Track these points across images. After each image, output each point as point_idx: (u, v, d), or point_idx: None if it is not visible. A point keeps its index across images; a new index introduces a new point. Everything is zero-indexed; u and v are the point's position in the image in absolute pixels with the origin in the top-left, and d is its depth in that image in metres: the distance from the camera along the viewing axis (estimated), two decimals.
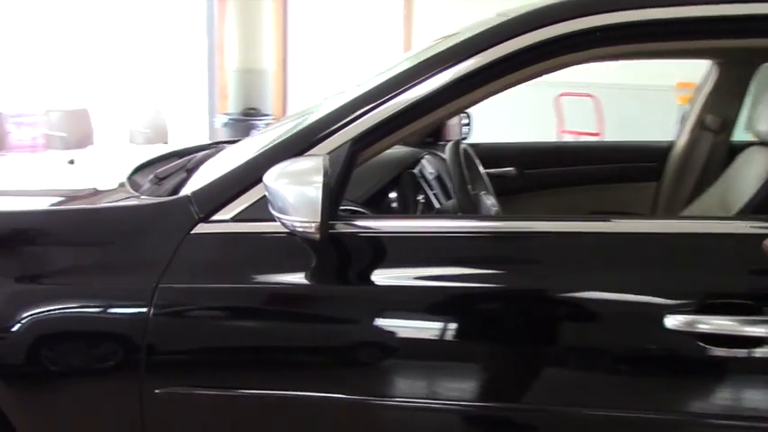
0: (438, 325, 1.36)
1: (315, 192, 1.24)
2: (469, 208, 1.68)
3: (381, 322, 1.38)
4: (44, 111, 6.82)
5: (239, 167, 1.45)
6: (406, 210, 2.01)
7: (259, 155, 1.45)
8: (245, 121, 8.25)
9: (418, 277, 1.37)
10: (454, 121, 3.15)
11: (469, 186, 1.82)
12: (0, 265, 1.43)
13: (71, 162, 2.03)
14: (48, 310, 1.39)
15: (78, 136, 6.85)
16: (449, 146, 1.85)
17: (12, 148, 6.61)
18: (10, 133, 6.73)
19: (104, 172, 1.89)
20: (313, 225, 1.24)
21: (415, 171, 2.08)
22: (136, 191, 1.66)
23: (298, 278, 1.39)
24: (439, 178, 2.00)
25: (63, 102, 7.02)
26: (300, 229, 1.26)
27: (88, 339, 1.41)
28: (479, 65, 1.40)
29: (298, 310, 1.41)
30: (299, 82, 8.18)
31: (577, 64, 1.48)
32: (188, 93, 8.08)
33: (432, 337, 1.36)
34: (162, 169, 1.79)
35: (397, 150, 2.17)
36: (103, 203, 1.66)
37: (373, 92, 1.44)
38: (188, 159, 1.91)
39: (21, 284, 1.41)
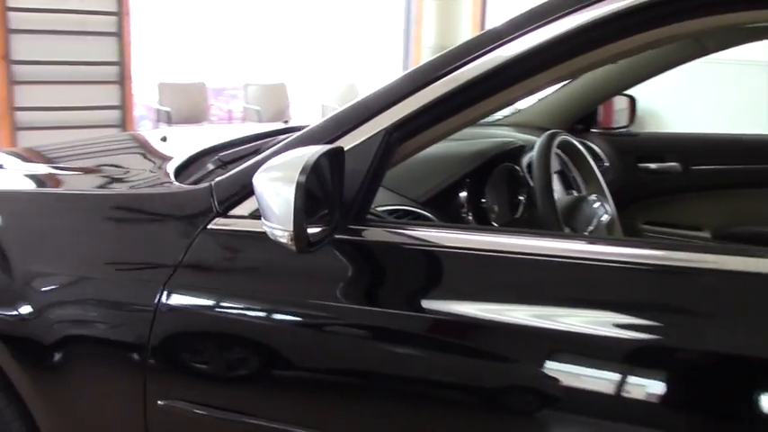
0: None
1: (290, 193, 1.00)
2: (551, 219, 1.35)
3: (392, 353, 1.13)
4: (243, 85, 7.13)
5: (262, 157, 1.26)
6: (498, 212, 1.71)
7: (282, 145, 1.25)
8: None
9: (443, 312, 1.11)
10: (617, 104, 2.76)
11: (574, 192, 1.49)
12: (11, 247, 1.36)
13: (163, 139, 1.97)
14: (58, 301, 1.30)
15: (274, 110, 7.11)
16: (542, 137, 1.52)
17: (211, 119, 7.00)
18: (212, 105, 7.13)
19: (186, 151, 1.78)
20: (286, 234, 1.01)
21: (524, 162, 1.76)
22: (192, 175, 1.53)
23: (313, 291, 1.18)
24: (562, 174, 1.68)
25: (262, 76, 7.30)
26: (280, 239, 1.03)
27: (97, 333, 1.31)
28: (576, 26, 1.08)
29: (310, 327, 1.19)
30: None
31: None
32: (382, 69, 8.06)
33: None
34: (230, 152, 1.64)
35: (481, 140, 1.87)
36: (120, 189, 1.54)
37: (416, 72, 1.18)
38: (267, 141, 1.74)
39: (29, 268, 1.34)
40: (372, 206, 1.34)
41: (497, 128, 2.38)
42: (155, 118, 7.03)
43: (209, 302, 1.23)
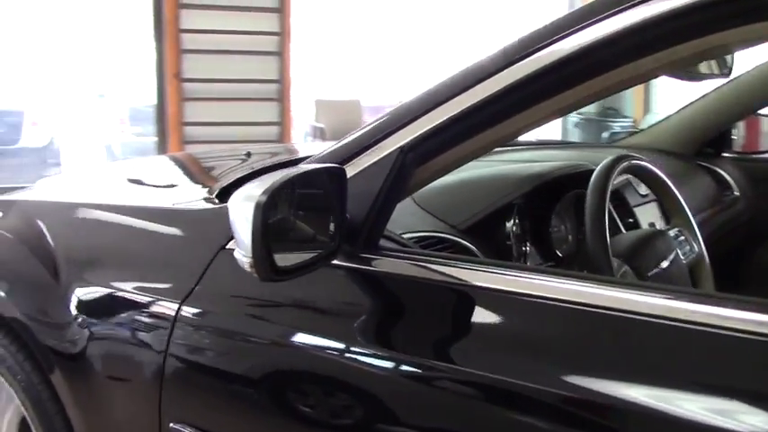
0: None
1: (251, 217, 0.90)
2: (600, 255, 1.17)
3: (393, 402, 1.00)
4: (398, 101, 7.17)
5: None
6: (564, 246, 1.53)
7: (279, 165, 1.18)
8: (601, 121, 7.67)
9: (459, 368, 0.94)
10: (766, 125, 2.44)
11: (653, 223, 1.29)
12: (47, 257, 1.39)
13: (247, 155, 1.96)
14: (89, 313, 1.31)
15: None
16: (606, 160, 1.32)
17: None
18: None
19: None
20: (246, 262, 0.93)
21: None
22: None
23: (312, 323, 1.09)
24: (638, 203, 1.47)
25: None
26: (246, 266, 0.93)
27: (121, 348, 1.30)
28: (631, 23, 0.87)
29: (312, 360, 1.10)
30: (669, 83, 7.36)
31: None
32: None
33: None
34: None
35: (543, 162, 1.66)
36: (148, 204, 1.51)
37: (436, 88, 1.06)
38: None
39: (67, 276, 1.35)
40: (400, 232, 1.24)
41: (605, 150, 2.17)
42: (311, 134, 7.26)
43: (220, 324, 1.18)
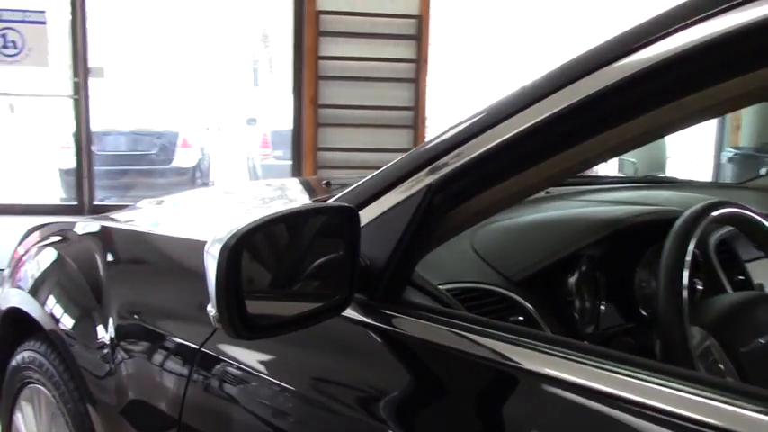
0: None
1: (214, 264, 0.76)
2: (672, 323, 0.95)
3: None
4: None
5: None
6: (645, 301, 1.29)
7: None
8: (761, 157, 7.02)
9: None
10: None
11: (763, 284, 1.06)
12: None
13: (327, 184, 1.88)
14: (120, 339, 1.27)
15: (650, 163, 6.72)
16: (688, 211, 1.09)
17: None
18: None
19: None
20: (211, 315, 0.79)
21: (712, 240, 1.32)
22: None
23: (321, 382, 0.96)
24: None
25: None
26: (214, 322, 0.79)
27: (144, 380, 1.24)
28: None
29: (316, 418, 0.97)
30: None
31: None
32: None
33: None
34: None
35: (627, 206, 1.41)
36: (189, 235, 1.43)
37: (477, 116, 0.91)
38: None
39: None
40: (441, 281, 1.09)
41: (731, 192, 1.88)
42: None
43: (230, 372, 1.08)
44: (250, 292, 0.78)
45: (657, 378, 0.66)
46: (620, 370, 0.69)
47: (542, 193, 1.59)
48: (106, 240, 1.50)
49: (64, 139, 7.03)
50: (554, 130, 0.80)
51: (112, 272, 1.38)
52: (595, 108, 0.76)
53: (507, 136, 0.84)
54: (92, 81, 6.41)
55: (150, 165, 8.14)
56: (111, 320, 1.30)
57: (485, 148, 0.86)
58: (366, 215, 0.95)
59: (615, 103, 0.75)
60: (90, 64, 6.37)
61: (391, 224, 0.93)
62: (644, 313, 1.29)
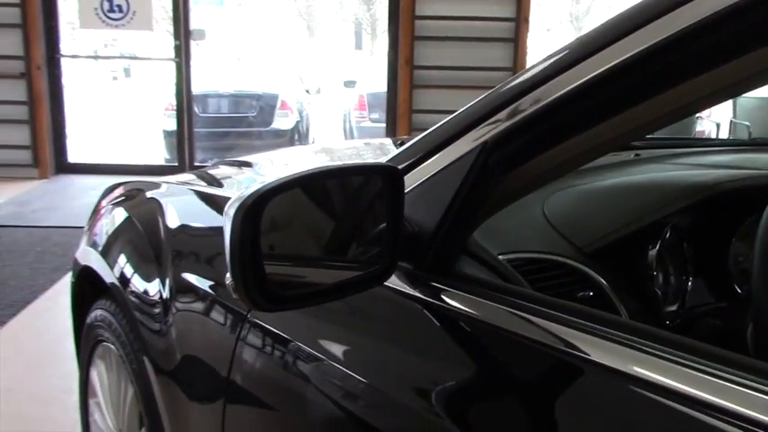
0: None
1: (228, 227, 0.69)
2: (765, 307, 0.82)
3: None
4: None
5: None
6: (741, 277, 1.13)
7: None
8: None
9: None
10: None
11: None
12: None
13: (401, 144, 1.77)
14: (175, 298, 1.25)
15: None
16: None
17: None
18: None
19: None
20: (228, 284, 0.71)
21: None
22: None
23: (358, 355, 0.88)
24: None
25: None
26: (232, 292, 0.71)
27: (195, 343, 1.21)
28: None
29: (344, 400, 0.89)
30: None
31: None
32: None
33: None
34: None
35: (720, 170, 1.24)
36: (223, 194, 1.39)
37: (537, 67, 0.80)
38: None
39: None
40: (504, 251, 0.99)
41: None
42: None
43: (277, 336, 1.02)
44: (272, 258, 0.71)
45: (755, 381, 0.54)
46: (708, 369, 0.57)
47: (630, 155, 1.45)
48: (170, 201, 1.47)
49: (168, 101, 7.23)
50: (633, 75, 0.68)
51: (171, 233, 1.36)
52: (689, 45, 0.63)
53: (575, 85, 0.72)
54: (193, 44, 6.54)
55: (249, 127, 8.27)
56: (167, 281, 1.28)
57: (548, 100, 0.74)
58: (415, 177, 0.87)
59: (718, 37, 0.62)
60: (191, 26, 6.50)
61: (442, 186, 0.83)
62: (739, 291, 1.14)
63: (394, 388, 0.80)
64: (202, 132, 7.71)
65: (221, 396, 1.10)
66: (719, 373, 0.56)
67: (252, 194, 0.68)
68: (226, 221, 0.69)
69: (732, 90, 0.67)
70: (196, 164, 6.61)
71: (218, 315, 1.15)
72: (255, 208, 0.68)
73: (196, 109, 7.37)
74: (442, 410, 0.74)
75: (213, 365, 1.13)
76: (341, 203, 0.79)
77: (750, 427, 0.52)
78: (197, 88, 7.09)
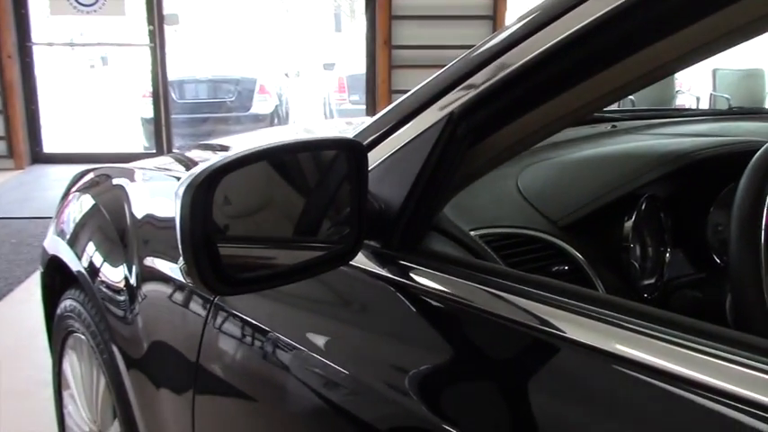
0: None
1: (179, 208, 0.65)
2: (746, 280, 0.79)
3: None
4: (712, 69, 6.58)
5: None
6: (720, 247, 1.11)
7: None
8: None
9: None
10: None
11: None
12: None
13: None
14: (142, 282, 1.22)
15: (747, 99, 6.36)
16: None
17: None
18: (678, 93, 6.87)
19: None
20: (179, 267, 0.67)
21: None
22: None
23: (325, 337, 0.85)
24: None
25: (734, 60, 6.67)
26: (185, 277, 0.68)
27: (162, 326, 1.17)
28: None
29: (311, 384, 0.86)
30: None
31: None
32: None
33: None
34: None
35: (692, 138, 1.20)
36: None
37: (503, 32, 0.76)
38: None
39: None
40: (474, 226, 0.96)
41: None
42: None
43: (242, 322, 0.99)
44: (227, 239, 0.68)
45: (734, 354, 0.52)
46: (685, 342, 0.54)
47: (607, 127, 1.42)
48: (138, 186, 1.43)
49: (145, 88, 7.13)
50: (604, 36, 0.64)
51: (138, 218, 1.32)
52: (652, 7, 0.60)
53: (543, 48, 0.69)
54: (167, 29, 6.44)
55: (228, 112, 8.18)
56: (134, 268, 1.24)
57: (516, 65, 0.71)
58: (380, 152, 0.83)
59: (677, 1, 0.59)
60: (165, 11, 6.39)
61: (408, 161, 0.80)
62: (718, 261, 1.12)
63: (363, 370, 0.77)
64: (181, 118, 7.62)
65: (190, 383, 1.07)
66: (698, 346, 0.54)
67: (201, 173, 0.65)
68: (176, 202, 0.65)
69: (702, 52, 0.64)
70: (174, 150, 6.53)
71: (184, 301, 1.11)
72: (206, 187, 0.64)
73: (174, 95, 7.28)
74: (414, 392, 0.70)
75: (181, 352, 1.10)
76: (302, 181, 0.76)
77: (730, 402, 0.50)
78: (174, 74, 6.99)
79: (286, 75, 9.68)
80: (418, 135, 0.80)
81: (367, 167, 0.77)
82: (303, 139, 0.74)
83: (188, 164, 1.61)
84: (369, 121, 0.87)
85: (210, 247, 0.65)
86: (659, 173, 1.09)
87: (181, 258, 0.66)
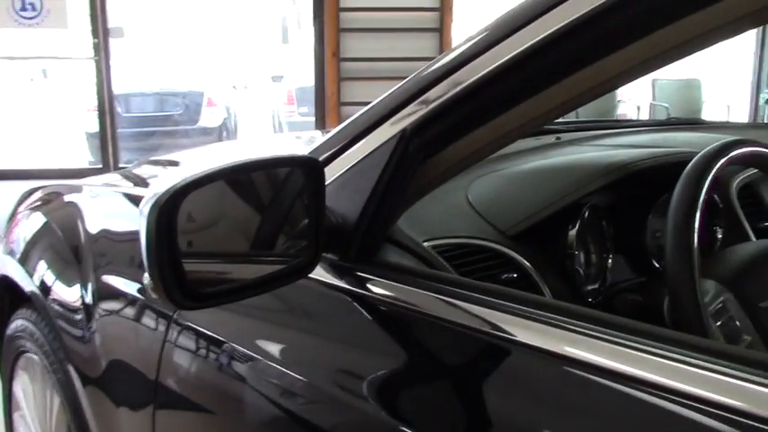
0: None
1: (144, 225, 0.67)
2: (682, 276, 0.85)
3: None
4: (651, 80, 6.76)
5: None
6: (658, 252, 1.18)
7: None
8: None
9: None
10: None
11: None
12: None
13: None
14: (98, 301, 1.22)
15: (685, 108, 6.58)
16: (702, 152, 0.97)
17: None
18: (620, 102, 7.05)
19: None
20: (146, 283, 0.70)
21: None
22: None
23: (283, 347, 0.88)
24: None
25: (674, 70, 6.88)
26: (150, 291, 0.71)
27: (120, 343, 1.18)
28: None
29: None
30: None
31: None
32: (730, 63, 7.00)
33: None
34: None
35: (632, 149, 1.29)
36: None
37: (452, 53, 0.81)
38: None
39: None
40: (425, 238, 1.00)
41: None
42: None
43: (204, 337, 1.00)
44: (191, 256, 0.70)
45: (672, 352, 0.56)
46: (627, 342, 0.59)
47: (551, 139, 1.47)
48: (90, 203, 1.43)
49: (90, 102, 7.01)
50: (547, 57, 0.69)
51: (92, 236, 1.32)
52: (598, 27, 0.65)
53: (491, 68, 0.73)
54: (112, 42, 6.36)
55: (175, 125, 8.11)
56: (90, 286, 1.24)
57: (465, 84, 0.75)
58: (336, 168, 0.86)
59: (619, 20, 0.63)
60: (109, 24, 6.31)
61: (363, 176, 0.83)
62: (657, 266, 1.18)
63: (323, 379, 0.80)
64: (127, 133, 7.52)
65: (150, 400, 1.07)
66: (640, 346, 0.58)
67: (166, 191, 0.67)
68: (141, 220, 0.67)
69: (645, 67, 0.68)
70: (121, 165, 6.44)
71: (143, 318, 1.12)
72: (170, 204, 0.67)
73: (119, 109, 7.18)
74: (373, 399, 0.74)
75: (140, 370, 1.10)
76: (262, 197, 0.78)
77: (670, 396, 0.54)
78: (120, 88, 6.90)
79: (234, 87, 9.64)
80: (372, 151, 0.83)
81: (324, 183, 0.80)
82: (262, 158, 0.77)
83: (138, 181, 1.62)
84: (325, 137, 0.91)
85: (175, 263, 0.68)
86: (600, 183, 1.15)
87: (146, 274, 0.68)
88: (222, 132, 8.48)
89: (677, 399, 0.54)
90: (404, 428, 0.68)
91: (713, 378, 0.53)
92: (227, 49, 12.28)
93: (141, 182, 1.62)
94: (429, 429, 0.67)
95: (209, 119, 8.36)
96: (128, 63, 9.21)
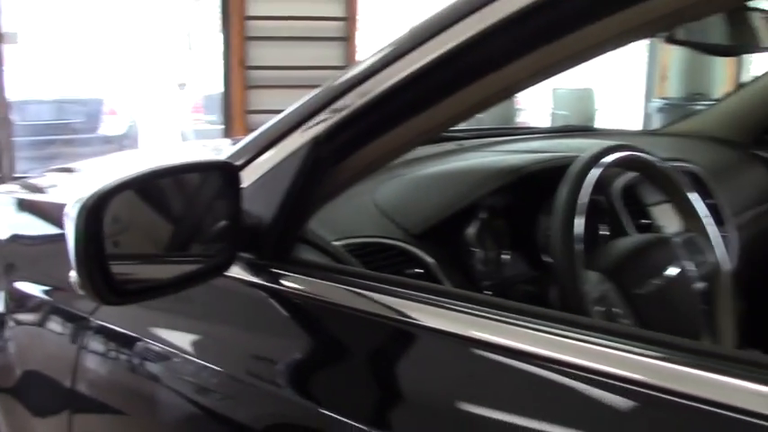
0: None
1: (72, 227, 0.72)
2: (566, 270, 0.95)
3: None
4: (552, 89, 7.01)
5: None
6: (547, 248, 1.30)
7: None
8: (687, 106, 7.19)
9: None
10: None
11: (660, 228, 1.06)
12: None
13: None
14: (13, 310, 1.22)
15: (581, 116, 6.85)
16: (581, 156, 1.09)
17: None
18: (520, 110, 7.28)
19: None
20: (73, 280, 0.74)
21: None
22: None
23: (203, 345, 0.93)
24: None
25: (571, 80, 7.15)
26: (77, 288, 0.75)
27: (36, 349, 1.19)
28: None
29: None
30: (765, 65, 6.79)
31: None
32: (624, 73, 7.40)
33: None
34: None
35: (526, 154, 1.42)
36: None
37: (359, 66, 0.88)
38: None
39: None
40: (337, 237, 1.07)
41: (638, 138, 1.89)
42: None
43: (123, 338, 1.03)
44: (116, 255, 0.74)
45: (555, 328, 0.65)
46: (517, 321, 0.67)
47: (454, 145, 1.57)
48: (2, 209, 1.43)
49: None
50: (443, 72, 0.76)
51: (2, 243, 1.32)
52: (491, 43, 0.73)
53: (396, 80, 0.80)
54: (5, 48, 6.12)
55: (75, 134, 7.86)
56: (1, 294, 1.24)
57: (373, 94, 0.82)
58: (252, 172, 0.92)
59: (514, 36, 0.71)
60: (2, 29, 6.08)
61: (278, 180, 0.89)
62: (547, 260, 1.29)
63: (240, 370, 0.85)
64: (24, 141, 7.24)
65: (66, 407, 1.09)
66: (532, 325, 0.66)
67: (93, 195, 0.71)
68: (67, 222, 0.71)
69: (547, 72, 0.76)
70: (17, 175, 6.20)
71: (58, 323, 1.14)
72: (97, 207, 0.71)
73: (15, 117, 6.90)
74: (290, 385, 0.80)
75: (55, 377, 1.12)
76: (182, 200, 0.83)
77: (559, 367, 0.62)
78: (15, 95, 6.64)
79: (137, 94, 9.43)
80: (286, 156, 0.89)
81: (239, 186, 0.86)
82: (183, 163, 0.82)
83: (40, 189, 1.62)
84: (240, 143, 0.96)
85: (102, 262, 0.72)
86: (495, 186, 1.25)
87: (72, 272, 0.72)
88: (124, 141, 8.28)
89: (564, 369, 0.62)
90: (321, 411, 0.74)
91: (593, 349, 0.62)
92: (130, 55, 11.97)
93: (42, 190, 1.62)
94: (344, 409, 0.74)
95: (110, 127, 8.15)
96: (23, 70, 8.87)
